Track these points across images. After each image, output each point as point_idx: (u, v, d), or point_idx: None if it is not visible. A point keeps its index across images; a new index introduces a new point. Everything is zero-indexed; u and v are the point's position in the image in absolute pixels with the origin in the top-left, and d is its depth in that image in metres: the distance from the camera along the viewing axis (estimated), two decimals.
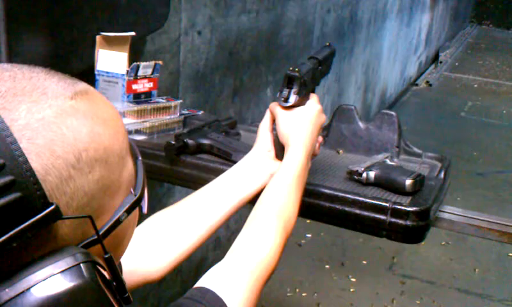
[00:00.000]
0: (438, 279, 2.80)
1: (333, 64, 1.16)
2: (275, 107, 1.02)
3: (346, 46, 3.72)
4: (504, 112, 5.39)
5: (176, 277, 2.12)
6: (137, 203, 0.57)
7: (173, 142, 1.12)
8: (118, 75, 1.32)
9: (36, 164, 0.46)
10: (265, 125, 1.04)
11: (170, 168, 1.14)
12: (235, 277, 0.75)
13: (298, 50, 2.91)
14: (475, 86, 6.27)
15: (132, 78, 1.32)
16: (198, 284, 0.72)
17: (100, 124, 0.52)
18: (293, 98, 0.99)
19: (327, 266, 2.84)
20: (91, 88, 0.55)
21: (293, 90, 0.99)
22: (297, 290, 2.63)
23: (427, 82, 6.10)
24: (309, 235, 3.02)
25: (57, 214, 0.47)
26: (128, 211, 0.55)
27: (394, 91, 5.25)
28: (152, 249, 0.92)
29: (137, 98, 1.34)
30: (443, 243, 3.09)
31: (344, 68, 3.75)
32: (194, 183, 1.09)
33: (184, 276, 2.15)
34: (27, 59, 1.25)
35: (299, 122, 0.99)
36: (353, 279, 2.74)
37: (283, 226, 0.86)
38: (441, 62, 6.85)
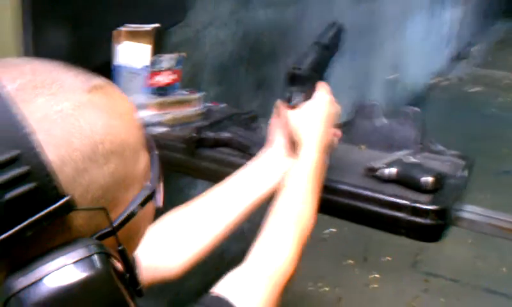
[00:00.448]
0: (462, 277, 2.76)
1: (340, 43, 1.07)
2: (282, 107, 0.99)
3: (374, 40, 3.67)
4: None
5: (198, 268, 2.13)
6: (151, 196, 0.57)
7: (194, 135, 1.13)
8: (141, 68, 1.33)
9: (53, 155, 0.47)
10: (276, 122, 1.02)
11: (189, 160, 1.14)
12: (252, 286, 0.75)
13: None
14: (506, 81, 6.13)
15: (155, 70, 1.33)
16: (215, 290, 0.72)
17: (116, 117, 0.53)
18: (296, 97, 0.96)
19: (350, 261, 2.82)
20: (108, 82, 0.56)
21: (295, 89, 0.96)
22: (319, 285, 2.62)
23: (457, 77, 6.00)
24: (332, 230, 3.01)
25: (71, 205, 0.48)
26: (143, 204, 0.56)
27: (423, 86, 5.17)
28: (169, 246, 0.92)
29: (160, 90, 1.35)
30: (469, 241, 3.04)
31: (371, 63, 3.71)
32: (214, 177, 1.09)
33: (205, 267, 2.16)
34: (51, 50, 1.27)
35: (310, 116, 0.95)
36: (376, 275, 2.72)
37: (301, 230, 0.84)
38: (471, 57, 6.72)
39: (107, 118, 0.52)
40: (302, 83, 0.96)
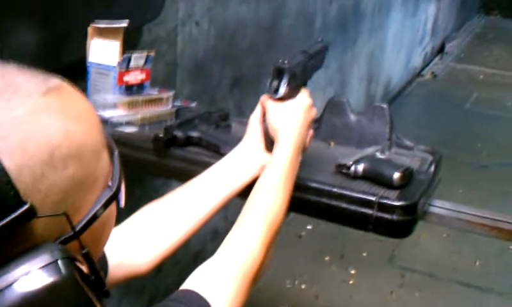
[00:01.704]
0: (438, 271, 2.79)
1: (324, 60, 1.16)
2: (266, 99, 1.02)
3: (349, 36, 3.69)
4: (510, 104, 5.33)
5: (173, 268, 2.12)
6: (113, 197, 0.57)
7: (162, 135, 1.12)
8: (110, 67, 1.32)
9: (9, 163, 0.46)
10: (255, 117, 1.04)
11: (158, 161, 1.14)
12: (220, 277, 0.75)
13: (299, 41, 2.89)
14: (481, 77, 6.21)
15: (123, 69, 1.32)
16: (184, 285, 0.72)
17: (72, 120, 0.52)
18: (283, 90, 0.99)
19: (327, 258, 2.83)
20: (65, 83, 0.55)
21: (282, 82, 0.99)
22: (296, 282, 2.63)
23: (433, 73, 6.05)
24: (309, 227, 3.02)
25: (32, 213, 0.47)
26: (105, 206, 0.55)
27: (398, 82, 5.21)
28: (139, 242, 0.92)
29: (129, 89, 1.33)
30: (444, 235, 3.07)
31: (347, 59, 3.72)
32: (183, 176, 1.08)
33: (182, 267, 2.15)
34: (18, 49, 1.25)
35: (289, 116, 0.98)
36: (353, 272, 2.74)
37: (270, 223, 0.86)
38: (446, 53, 6.79)
39: (64, 121, 0.51)
40: (288, 78, 0.98)
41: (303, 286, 2.61)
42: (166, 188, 1.91)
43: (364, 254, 2.87)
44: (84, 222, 0.53)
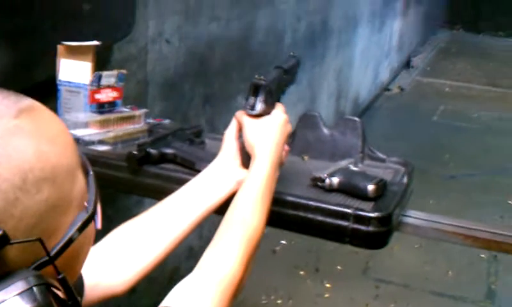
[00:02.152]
0: (411, 282, 2.82)
1: (297, 74, 1.17)
2: (241, 115, 1.02)
3: (318, 53, 3.74)
4: (475, 115, 5.46)
5: (149, 287, 2.10)
6: (89, 220, 0.56)
7: (135, 152, 1.11)
8: (81, 85, 1.30)
9: None
10: (231, 133, 1.04)
11: (133, 179, 1.12)
12: (200, 293, 0.75)
13: (270, 58, 2.91)
14: (447, 89, 6.35)
15: (95, 87, 1.31)
16: (163, 303, 0.71)
17: (46, 142, 0.51)
18: (259, 106, 0.99)
19: (302, 272, 2.84)
20: (37, 104, 0.54)
21: (259, 98, 0.99)
22: (272, 297, 2.62)
23: (399, 87, 6.16)
24: (283, 242, 3.02)
25: (5, 239, 0.46)
26: (81, 229, 0.54)
27: (367, 97, 5.29)
28: (114, 261, 0.91)
29: (101, 108, 1.32)
30: (416, 246, 3.11)
31: (316, 75, 3.76)
32: (158, 194, 1.07)
33: (158, 286, 2.13)
34: None
35: (266, 132, 0.98)
36: (328, 285, 2.75)
37: (249, 238, 0.85)
38: (412, 67, 6.93)
39: (37, 144, 0.50)
40: (264, 95, 0.99)
41: (279, 301, 2.60)
42: (139, 208, 1.89)
43: (339, 267, 2.89)
44: (59, 246, 0.52)
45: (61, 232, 0.53)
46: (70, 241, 0.53)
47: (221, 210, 0.93)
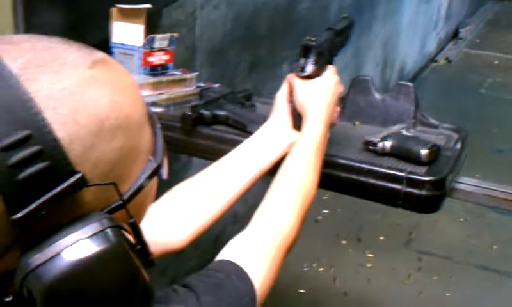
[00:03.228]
0: (455, 255, 2.79)
1: (351, 36, 1.15)
2: (292, 77, 1.02)
3: (364, 21, 3.67)
4: None
5: (194, 250, 2.14)
6: (158, 169, 0.58)
7: (189, 113, 1.13)
8: (134, 48, 1.32)
9: (61, 133, 0.48)
10: (282, 95, 1.04)
11: (186, 139, 1.14)
12: (256, 247, 0.76)
13: (315, 25, 2.88)
14: (496, 62, 6.15)
15: (148, 50, 1.33)
16: (219, 256, 0.73)
17: (119, 92, 0.53)
18: (310, 68, 0.99)
19: (344, 242, 2.84)
20: (109, 57, 0.56)
21: (310, 60, 0.99)
22: (314, 265, 2.64)
23: (447, 58, 6.00)
24: (326, 211, 3.02)
25: (83, 182, 0.49)
26: (150, 177, 0.56)
27: (413, 68, 5.18)
28: (173, 220, 0.93)
29: (154, 70, 1.34)
30: (461, 219, 3.06)
31: (362, 44, 3.71)
32: (210, 154, 1.09)
33: (203, 249, 2.17)
34: (43, 31, 1.26)
35: (317, 92, 0.99)
36: (370, 255, 2.74)
37: (303, 197, 0.87)
38: (461, 38, 6.73)
39: (111, 94, 0.52)
40: (315, 56, 0.99)
41: (321, 269, 2.62)
42: (186, 172, 1.92)
43: (381, 238, 2.88)
44: (130, 192, 0.54)
45: (131, 180, 0.55)
46: (140, 188, 0.55)
47: (274, 171, 0.94)
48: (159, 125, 0.61)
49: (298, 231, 0.84)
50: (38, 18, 1.19)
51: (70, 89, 0.49)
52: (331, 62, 1.06)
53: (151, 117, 0.60)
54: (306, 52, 1.00)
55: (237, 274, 0.70)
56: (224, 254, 0.74)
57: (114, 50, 1.34)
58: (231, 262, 0.71)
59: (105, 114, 0.51)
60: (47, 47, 0.51)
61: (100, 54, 0.55)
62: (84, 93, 0.50)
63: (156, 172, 0.57)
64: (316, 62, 0.99)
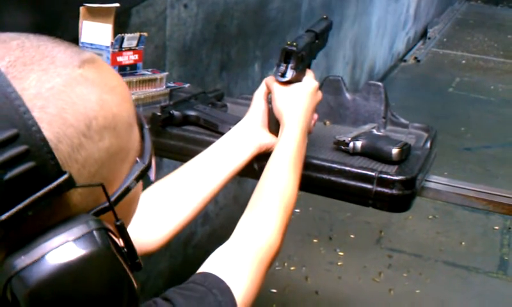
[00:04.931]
0: (424, 252, 2.83)
1: (328, 37, 1.15)
2: (271, 81, 1.01)
3: (334, 21, 3.68)
4: (492, 87, 5.40)
5: (164, 253, 2.12)
6: (146, 170, 0.57)
7: (159, 114, 1.12)
8: (103, 47, 1.30)
9: (48, 132, 0.47)
10: (259, 94, 1.03)
11: (156, 140, 1.13)
12: (238, 261, 0.75)
13: (286, 25, 2.89)
14: (463, 61, 6.27)
15: (116, 50, 1.31)
16: (201, 269, 0.72)
17: (108, 92, 0.53)
18: (290, 74, 0.98)
19: (315, 240, 2.85)
20: (96, 56, 0.56)
21: (290, 65, 0.98)
22: (285, 264, 2.64)
23: (415, 58, 6.09)
24: (297, 210, 3.03)
25: (70, 182, 0.48)
26: (138, 179, 0.56)
27: (382, 67, 5.24)
28: (146, 222, 0.92)
29: (123, 70, 1.32)
30: (430, 217, 3.11)
31: (333, 44, 3.73)
32: (181, 155, 1.08)
33: (172, 251, 2.15)
34: (11, 31, 1.23)
35: (296, 99, 0.98)
36: (341, 253, 2.77)
37: (284, 207, 0.86)
38: (429, 38, 6.83)
39: (100, 93, 0.51)
40: (296, 62, 0.98)
41: (292, 268, 2.63)
42: (157, 172, 1.90)
43: (352, 236, 2.90)
44: (118, 193, 0.53)
45: (118, 182, 0.54)
46: (128, 190, 0.54)
47: (246, 171, 0.94)
48: (147, 126, 0.61)
49: (281, 242, 0.83)
50: (5, 17, 1.16)
51: (59, 88, 0.49)
52: (310, 66, 1.05)
53: (138, 118, 0.60)
54: (287, 56, 0.99)
55: (218, 287, 0.68)
56: (205, 267, 0.73)
57: (83, 48, 1.31)
58: (212, 275, 0.70)
59: (94, 113, 0.50)
60: (35, 46, 0.51)
61: (88, 54, 0.54)
62: (72, 92, 0.49)
63: (144, 174, 0.57)
64: (296, 68, 0.98)
